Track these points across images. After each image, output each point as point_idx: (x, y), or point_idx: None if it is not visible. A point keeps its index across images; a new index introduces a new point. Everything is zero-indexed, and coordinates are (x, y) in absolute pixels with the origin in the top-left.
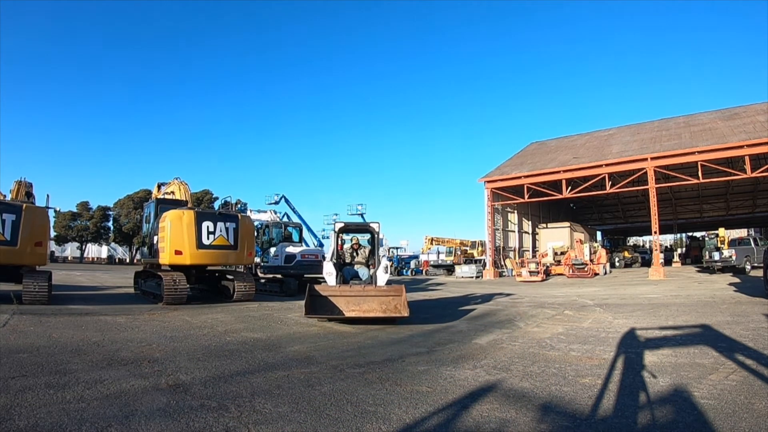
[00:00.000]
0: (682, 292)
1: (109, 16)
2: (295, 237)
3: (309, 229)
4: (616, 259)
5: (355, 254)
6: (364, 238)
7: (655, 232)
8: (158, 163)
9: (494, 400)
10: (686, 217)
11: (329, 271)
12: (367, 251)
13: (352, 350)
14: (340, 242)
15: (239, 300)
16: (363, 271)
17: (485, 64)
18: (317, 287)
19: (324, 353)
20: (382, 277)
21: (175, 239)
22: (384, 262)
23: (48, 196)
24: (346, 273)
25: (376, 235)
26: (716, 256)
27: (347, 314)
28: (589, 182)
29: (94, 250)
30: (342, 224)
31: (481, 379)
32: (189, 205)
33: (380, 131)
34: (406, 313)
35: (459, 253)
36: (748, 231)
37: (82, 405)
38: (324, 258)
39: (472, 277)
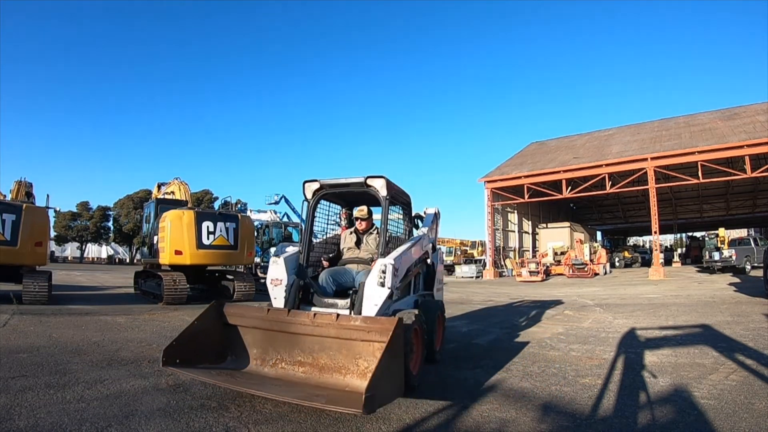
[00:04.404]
0: (682, 292)
1: (110, 16)
2: (295, 237)
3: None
4: (616, 259)
5: (358, 242)
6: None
7: (655, 232)
8: (158, 163)
9: (494, 400)
10: (686, 217)
11: (276, 276)
12: (378, 238)
13: None
14: (312, 220)
15: (239, 300)
16: (364, 278)
17: (485, 65)
18: (231, 308)
19: None
20: (373, 295)
21: (175, 239)
22: (381, 263)
23: (48, 196)
24: (326, 281)
25: (385, 205)
26: (716, 256)
27: (252, 383)
28: (589, 182)
29: (94, 250)
30: (315, 184)
31: (481, 379)
32: (189, 205)
33: (380, 131)
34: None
35: (459, 253)
36: (748, 231)
37: (82, 405)
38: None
39: (472, 277)
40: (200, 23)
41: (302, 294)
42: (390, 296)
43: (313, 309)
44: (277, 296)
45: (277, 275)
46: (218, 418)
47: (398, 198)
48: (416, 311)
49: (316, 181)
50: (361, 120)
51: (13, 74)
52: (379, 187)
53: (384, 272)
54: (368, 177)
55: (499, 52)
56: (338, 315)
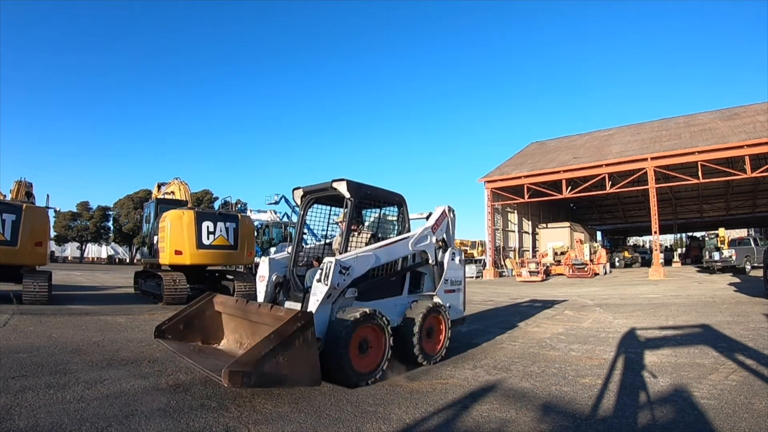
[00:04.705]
0: (682, 292)
1: (110, 15)
2: None
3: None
4: (616, 259)
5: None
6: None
7: (655, 232)
8: (158, 163)
9: (494, 400)
10: (686, 217)
11: (261, 274)
12: (364, 238)
13: None
14: (302, 222)
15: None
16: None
17: (486, 65)
18: (219, 298)
19: None
20: (315, 291)
21: (175, 239)
22: (325, 261)
23: (48, 196)
24: (310, 279)
25: (349, 206)
26: (716, 256)
27: (202, 359)
28: (589, 182)
29: (94, 250)
30: (300, 191)
31: (481, 379)
32: (189, 205)
33: (381, 132)
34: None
35: None
36: (748, 231)
37: (82, 405)
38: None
39: (472, 277)
40: (200, 22)
41: (282, 289)
42: (342, 293)
43: (287, 303)
44: (261, 291)
45: (262, 272)
46: (218, 418)
47: (376, 198)
48: (367, 309)
49: (299, 188)
50: (360, 119)
51: (13, 73)
52: (342, 189)
53: (323, 270)
54: (333, 180)
55: (498, 51)
56: (272, 306)
